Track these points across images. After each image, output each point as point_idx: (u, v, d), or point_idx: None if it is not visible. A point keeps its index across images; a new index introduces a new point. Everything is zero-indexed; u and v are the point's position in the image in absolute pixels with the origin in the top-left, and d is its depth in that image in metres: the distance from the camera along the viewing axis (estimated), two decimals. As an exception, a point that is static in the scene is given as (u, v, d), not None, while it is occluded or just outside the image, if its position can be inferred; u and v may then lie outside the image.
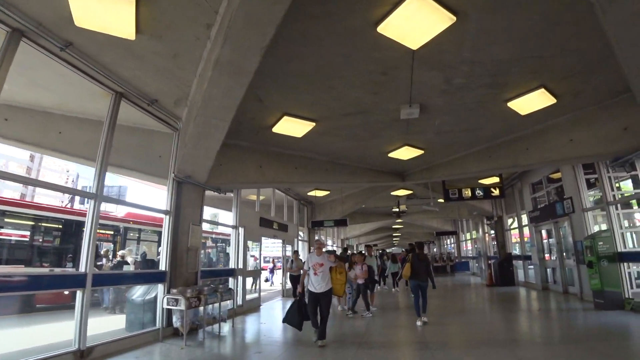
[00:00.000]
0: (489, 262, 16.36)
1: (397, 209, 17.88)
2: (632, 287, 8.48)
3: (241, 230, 11.39)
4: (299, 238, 18.35)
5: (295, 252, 12.33)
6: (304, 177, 10.53)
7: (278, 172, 10.07)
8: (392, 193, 16.02)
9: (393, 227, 30.35)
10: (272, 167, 9.98)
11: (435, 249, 34.18)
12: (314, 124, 8.03)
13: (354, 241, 36.00)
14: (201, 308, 7.21)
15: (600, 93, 7.22)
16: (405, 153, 10.19)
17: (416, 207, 20.48)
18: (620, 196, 9.23)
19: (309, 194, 15.93)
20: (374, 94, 6.92)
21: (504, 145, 9.43)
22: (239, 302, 10.35)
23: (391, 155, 10.35)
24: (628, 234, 9.13)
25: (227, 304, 8.68)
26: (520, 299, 11.34)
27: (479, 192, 12.07)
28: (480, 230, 17.30)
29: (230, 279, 10.54)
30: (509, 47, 5.57)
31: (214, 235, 15.78)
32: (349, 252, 13.97)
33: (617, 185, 9.51)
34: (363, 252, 11.48)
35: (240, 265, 10.78)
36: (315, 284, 6.39)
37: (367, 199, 15.00)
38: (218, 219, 12.31)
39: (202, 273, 8.58)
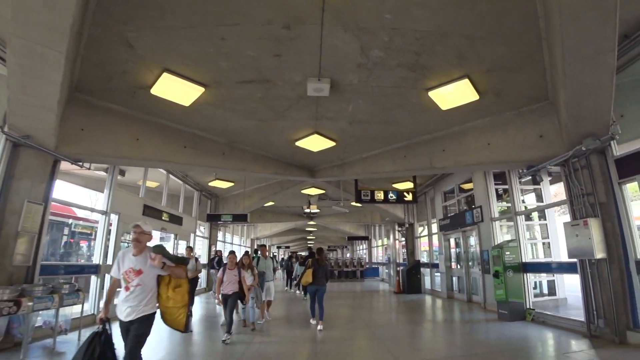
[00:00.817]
0: (398, 269, 16.04)
1: (308, 209, 16.84)
2: (531, 298, 8.33)
3: (114, 217, 9.50)
4: (198, 234, 16.35)
5: (189, 248, 10.39)
6: (193, 159, 8.71)
7: (160, 148, 8.11)
8: (303, 191, 14.90)
9: (307, 229, 29.45)
10: (152, 141, 7.98)
11: (348, 254, 34.07)
12: (203, 89, 6.44)
13: (266, 242, 34.46)
14: (27, 315, 5.40)
15: (520, 98, 6.90)
16: (315, 143, 9.04)
17: (329, 210, 19.70)
18: (524, 208, 9.08)
19: (211, 184, 14.07)
20: (275, 57, 5.58)
21: (420, 145, 8.75)
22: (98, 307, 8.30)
23: (299, 144, 9.13)
24: (529, 245, 9.03)
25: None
26: (426, 308, 10.86)
27: (391, 196, 11.42)
28: (392, 237, 17.00)
29: (93, 278, 8.66)
30: (435, 13, 4.63)
31: (81, 222, 12.99)
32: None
33: (522, 198, 9.44)
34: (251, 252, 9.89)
35: (109, 262, 8.79)
36: (125, 306, 3.46)
37: (275, 195, 13.67)
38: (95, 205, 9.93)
39: (48, 269, 7.19)
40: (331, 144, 9.07)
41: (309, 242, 43.22)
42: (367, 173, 9.93)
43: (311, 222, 23.51)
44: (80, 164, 7.30)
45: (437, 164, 8.35)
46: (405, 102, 6.93)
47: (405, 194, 11.49)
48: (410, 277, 14.41)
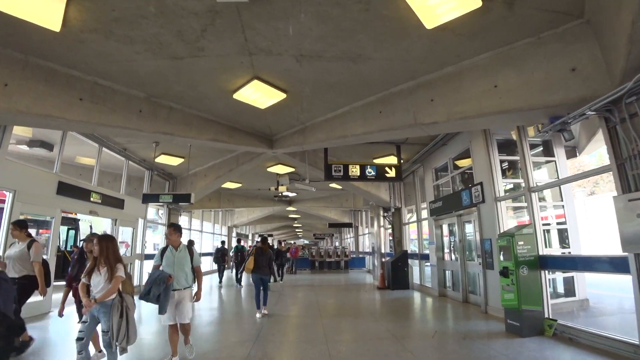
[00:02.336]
0: (383, 260, 13.81)
1: (279, 192, 14.50)
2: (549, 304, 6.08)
3: (8, 195, 7.43)
4: (153, 219, 14.03)
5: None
6: (92, 116, 6.32)
7: (42, 99, 5.75)
8: (270, 169, 12.54)
9: (290, 216, 27.18)
10: (32, 90, 5.67)
11: (337, 243, 31.89)
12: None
13: (247, 230, 32.27)
14: None
15: (540, 15, 4.55)
16: (260, 94, 6.70)
17: (308, 193, 17.38)
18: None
19: (157, 160, 11.67)
20: None
21: (400, 96, 6.41)
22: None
23: (239, 97, 6.82)
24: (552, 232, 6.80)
25: None
26: (413, 313, 8.63)
27: (370, 172, 9.09)
28: (375, 224, 14.75)
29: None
30: None
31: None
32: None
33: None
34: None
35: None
36: None
37: (231, 172, 11.28)
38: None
39: None
40: (281, 95, 6.73)
41: (296, 230, 41.09)
42: (333, 138, 7.58)
43: (290, 208, 21.21)
44: None
45: (424, 119, 6.00)
46: (372, 16, 4.55)
47: (387, 169, 9.15)
48: (396, 270, 12.18)
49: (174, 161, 11.62)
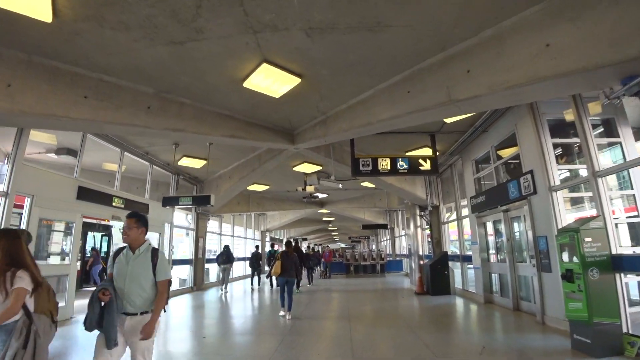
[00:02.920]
0: (421, 262, 12.73)
1: (307, 193, 13.83)
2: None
3: (27, 201, 7.33)
4: (180, 224, 13.79)
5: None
6: (97, 114, 5.95)
7: (46, 98, 5.47)
8: (296, 169, 11.88)
9: (323, 219, 26.46)
10: (35, 89, 5.40)
11: (373, 246, 30.73)
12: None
13: (281, 234, 31.88)
14: None
15: None
16: (272, 82, 6.04)
17: (340, 194, 16.58)
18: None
19: (180, 163, 11.38)
20: None
21: (431, 71, 5.49)
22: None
23: (250, 85, 6.18)
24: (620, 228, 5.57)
25: None
26: (455, 323, 7.56)
27: (401, 165, 8.18)
28: (412, 224, 13.68)
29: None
30: None
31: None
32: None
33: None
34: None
35: None
36: None
37: (254, 172, 10.71)
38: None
39: None
40: (295, 80, 6.02)
41: (332, 233, 40.29)
42: (357, 127, 6.74)
43: (323, 211, 20.46)
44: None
45: (460, 95, 5.04)
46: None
47: (421, 162, 8.19)
48: (435, 274, 11.08)
49: (197, 163, 11.25)
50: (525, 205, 7.04)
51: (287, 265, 7.93)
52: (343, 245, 45.06)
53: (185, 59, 5.54)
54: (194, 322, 8.06)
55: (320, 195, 16.73)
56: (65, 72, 5.64)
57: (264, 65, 5.59)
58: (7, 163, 6.99)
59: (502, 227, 8.47)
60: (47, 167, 8.65)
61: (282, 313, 7.89)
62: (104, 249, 14.37)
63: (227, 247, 13.76)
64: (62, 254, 10.21)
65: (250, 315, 8.76)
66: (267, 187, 15.17)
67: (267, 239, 25.53)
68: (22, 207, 7.44)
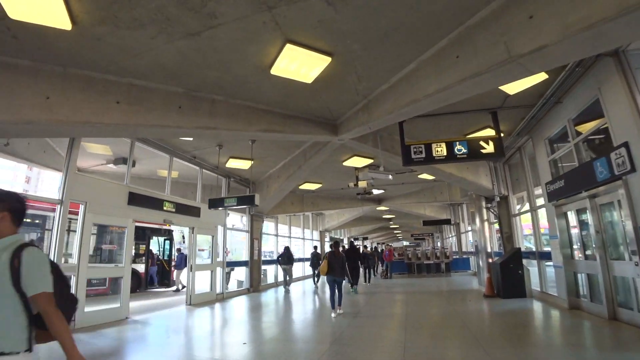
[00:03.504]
0: (490, 261, 11.31)
1: (360, 189, 12.96)
2: None
3: (81, 207, 7.62)
4: (235, 226, 13.75)
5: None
6: (129, 118, 5.95)
7: (80, 107, 5.71)
8: (346, 164, 11.14)
9: (383, 217, 25.35)
10: (70, 99, 5.64)
11: (438, 243, 28.87)
12: None
13: (341, 234, 31.28)
14: None
15: None
16: (299, 64, 5.42)
17: (397, 189, 15.52)
18: None
19: (229, 165, 11.25)
20: None
21: (481, 26, 4.46)
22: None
23: (278, 71, 5.65)
24: None
25: None
26: (536, 336, 6.20)
27: (459, 149, 7.09)
28: (477, 218, 12.23)
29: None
30: None
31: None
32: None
33: None
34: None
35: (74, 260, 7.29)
36: None
37: (300, 170, 10.11)
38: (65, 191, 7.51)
39: None
40: (325, 60, 5.33)
41: (394, 231, 38.84)
42: (402, 106, 5.83)
43: (381, 208, 19.45)
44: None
45: (523, 48, 3.95)
46: None
47: (482, 144, 7.02)
48: (507, 274, 9.65)
49: (244, 164, 11.00)
50: (619, 188, 5.62)
51: (335, 265, 8.09)
52: (406, 243, 43.27)
53: (206, 50, 5.17)
54: (240, 325, 7.69)
55: (376, 192, 15.77)
56: (98, 80, 5.81)
57: (288, 47, 4.98)
58: (64, 169, 7.24)
59: (588, 216, 6.97)
60: (107, 176, 8.90)
61: (333, 315, 7.86)
62: (167, 252, 14.82)
63: (287, 249, 14.06)
64: (117, 258, 10.54)
65: (301, 319, 8.18)
66: (320, 186, 14.59)
67: (327, 238, 25.06)
68: (76, 213, 7.68)
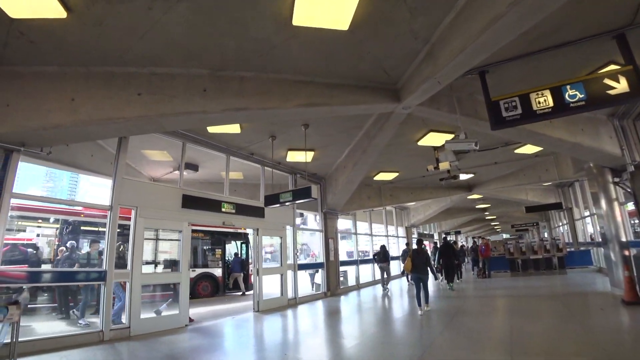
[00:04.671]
0: (627, 253, 8.36)
1: (445, 173, 10.80)
2: None
3: (132, 212, 7.22)
4: (307, 226, 12.70)
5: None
6: (149, 109, 5.30)
7: (102, 105, 5.31)
8: (421, 143, 9.22)
9: (476, 207, 22.20)
10: (92, 98, 5.28)
11: (545, 233, 24.43)
12: None
13: (431, 229, 28.55)
14: None
15: None
16: (326, 5, 3.97)
17: (491, 171, 12.91)
18: None
19: (290, 159, 10.20)
20: None
21: None
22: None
23: (300, 22, 4.39)
24: None
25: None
26: None
27: (572, 94, 4.90)
28: (602, 198, 9.20)
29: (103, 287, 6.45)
30: None
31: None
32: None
33: None
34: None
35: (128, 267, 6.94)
36: None
37: (366, 154, 8.46)
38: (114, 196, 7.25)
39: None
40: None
41: (492, 223, 34.48)
42: (478, 34, 3.93)
43: (474, 196, 16.73)
44: (40, 150, 5.69)
45: None
46: None
47: (608, 83, 4.73)
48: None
49: (305, 156, 9.83)
50: None
51: (419, 262, 7.96)
52: (506, 235, 38.20)
53: (210, 11, 4.11)
54: (308, 336, 6.45)
55: (464, 177, 13.30)
56: (119, 74, 5.31)
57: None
58: (114, 174, 6.88)
59: None
60: (175, 183, 8.53)
61: (419, 312, 7.70)
62: (244, 256, 14.37)
63: (383, 247, 13.41)
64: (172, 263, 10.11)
65: (372, 333, 6.61)
66: (396, 175, 12.74)
67: (414, 235, 22.82)
68: (128, 219, 7.26)
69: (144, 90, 5.33)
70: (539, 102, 4.97)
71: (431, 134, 8.61)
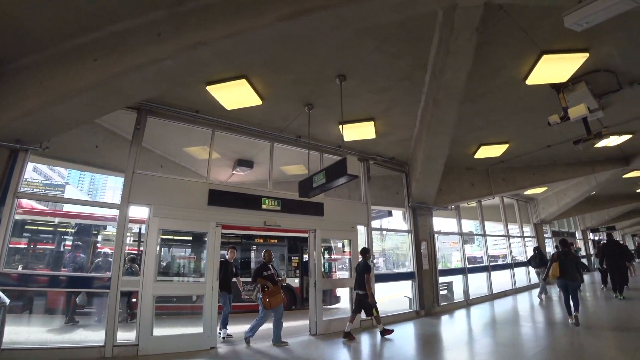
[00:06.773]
0: None
1: (576, 127, 6.77)
2: None
3: (145, 211, 5.95)
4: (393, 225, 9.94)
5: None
6: (101, 72, 4.50)
7: (62, 78, 4.45)
8: (532, 81, 5.72)
9: (638, 190, 15.78)
10: (56, 76, 4.47)
11: None
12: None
13: (571, 225, 21.94)
14: None
15: None
16: None
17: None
18: None
19: (349, 137, 7.66)
20: None
21: None
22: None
23: None
24: None
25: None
26: None
27: None
28: None
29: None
30: None
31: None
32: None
33: None
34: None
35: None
36: None
37: (438, 107, 5.46)
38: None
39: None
40: None
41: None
42: None
43: (633, 174, 11.43)
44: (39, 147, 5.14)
45: None
46: None
47: None
48: None
49: (364, 132, 7.30)
50: None
51: (567, 267, 6.97)
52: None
53: None
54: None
55: (616, 140, 8.69)
56: (84, 44, 4.35)
57: None
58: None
59: None
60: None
61: (570, 320, 6.78)
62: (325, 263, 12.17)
63: (538, 249, 12.07)
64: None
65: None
66: (506, 147, 8.85)
67: (547, 234, 17.48)
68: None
69: (100, 54, 4.20)
70: None
71: (545, 58, 5.16)
